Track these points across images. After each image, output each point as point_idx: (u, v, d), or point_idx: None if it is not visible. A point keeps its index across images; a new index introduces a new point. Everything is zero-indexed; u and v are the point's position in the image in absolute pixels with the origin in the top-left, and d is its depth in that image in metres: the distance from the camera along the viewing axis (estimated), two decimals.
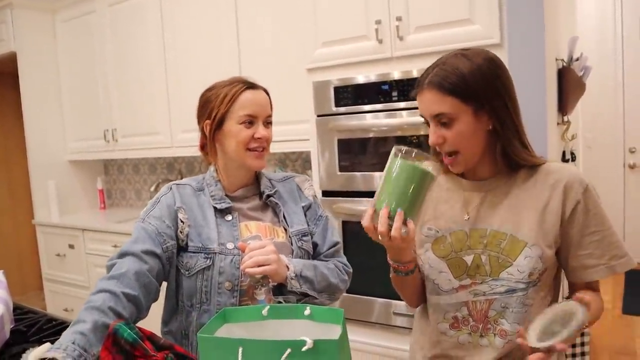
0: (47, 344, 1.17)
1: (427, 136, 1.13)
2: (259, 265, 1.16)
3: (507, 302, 1.11)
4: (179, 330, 1.33)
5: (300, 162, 3.14)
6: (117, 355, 0.92)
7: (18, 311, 1.58)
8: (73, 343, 1.01)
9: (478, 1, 1.92)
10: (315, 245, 1.41)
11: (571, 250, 1.12)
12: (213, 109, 1.34)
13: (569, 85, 2.14)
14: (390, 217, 0.98)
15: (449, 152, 1.10)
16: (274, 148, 2.73)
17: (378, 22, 2.13)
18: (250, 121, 1.32)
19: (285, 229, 1.37)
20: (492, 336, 1.14)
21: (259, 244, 1.20)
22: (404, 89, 2.11)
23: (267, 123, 1.36)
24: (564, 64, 2.15)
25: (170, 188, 1.38)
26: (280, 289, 1.25)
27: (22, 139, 4.07)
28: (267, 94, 1.39)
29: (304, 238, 1.37)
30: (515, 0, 1.86)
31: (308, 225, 1.41)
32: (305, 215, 1.43)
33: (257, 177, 1.44)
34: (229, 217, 1.34)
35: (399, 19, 2.07)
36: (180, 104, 3.23)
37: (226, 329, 0.79)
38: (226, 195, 1.37)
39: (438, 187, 1.24)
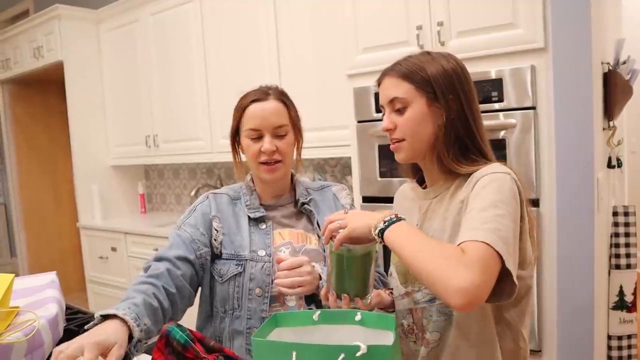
0: None
1: None
2: (295, 286, 1.19)
3: (431, 311, 1.09)
4: (213, 337, 1.36)
5: (339, 167, 3.15)
6: (169, 356, 0.94)
7: (68, 311, 1.63)
8: (129, 308, 1.05)
9: (521, 5, 1.88)
10: None
11: None
12: (232, 122, 1.38)
13: (615, 89, 2.09)
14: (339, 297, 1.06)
15: (397, 139, 1.11)
16: (313, 154, 2.77)
17: (419, 27, 2.12)
18: (256, 135, 1.32)
19: (319, 236, 1.38)
20: (421, 346, 1.12)
21: (296, 262, 1.22)
22: None
23: (280, 135, 1.33)
24: (610, 67, 2.10)
25: (207, 197, 1.42)
26: (312, 297, 1.26)
27: (67, 145, 4.21)
28: (284, 102, 1.36)
29: None
30: (560, 3, 1.82)
31: None
32: None
33: (293, 185, 1.45)
34: (263, 226, 1.36)
35: (440, 24, 2.06)
36: (220, 110, 3.29)
37: (277, 333, 0.80)
38: (261, 204, 1.39)
39: (404, 197, 1.27)
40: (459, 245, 0.90)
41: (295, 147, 1.40)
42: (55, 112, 4.88)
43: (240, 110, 1.35)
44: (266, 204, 1.40)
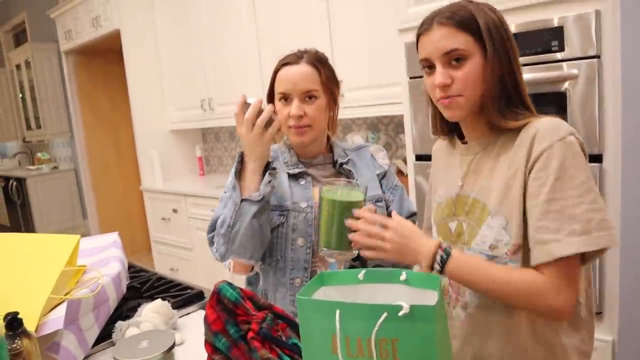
0: (159, 300, 1.28)
1: None
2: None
3: None
4: (261, 290, 1.39)
5: (392, 126, 3.10)
6: (220, 313, 0.98)
7: (131, 269, 1.72)
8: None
9: None
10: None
11: (529, 219, 0.96)
12: (269, 85, 1.41)
13: None
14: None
15: (453, 95, 1.03)
16: (366, 112, 2.74)
17: None
18: (285, 98, 1.34)
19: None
20: (458, 308, 1.09)
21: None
22: None
23: (308, 98, 1.33)
24: None
25: None
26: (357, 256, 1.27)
27: (128, 111, 4.36)
28: (316, 66, 1.35)
29: (378, 204, 1.38)
30: None
31: (384, 192, 1.42)
32: (380, 183, 1.44)
33: (330, 147, 1.46)
34: (302, 182, 1.38)
35: None
36: (271, 72, 3.27)
37: (323, 291, 0.82)
38: (299, 161, 1.40)
39: (442, 152, 1.24)
40: (539, 265, 0.93)
41: (329, 110, 1.40)
42: (116, 79, 5.04)
43: (273, 74, 1.39)
44: (304, 161, 1.42)
